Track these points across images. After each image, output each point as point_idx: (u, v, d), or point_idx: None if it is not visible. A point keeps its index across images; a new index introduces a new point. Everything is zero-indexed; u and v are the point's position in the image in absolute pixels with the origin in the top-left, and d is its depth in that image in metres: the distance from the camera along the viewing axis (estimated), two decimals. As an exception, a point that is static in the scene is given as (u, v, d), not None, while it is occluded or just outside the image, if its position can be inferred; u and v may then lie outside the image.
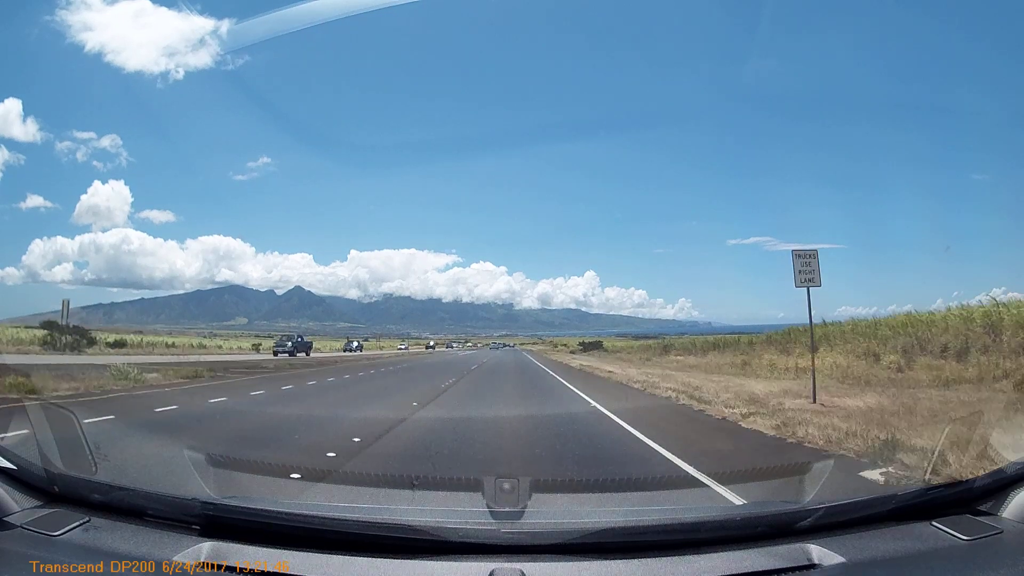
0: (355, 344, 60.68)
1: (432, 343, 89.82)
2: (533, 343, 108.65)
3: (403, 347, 68.64)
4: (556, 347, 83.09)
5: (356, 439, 6.69)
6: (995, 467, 2.46)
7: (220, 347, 43.74)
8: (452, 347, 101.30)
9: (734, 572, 1.76)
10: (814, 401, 10.59)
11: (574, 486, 4.69)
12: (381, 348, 63.84)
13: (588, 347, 64.06)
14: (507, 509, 2.29)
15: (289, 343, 36.70)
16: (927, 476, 3.92)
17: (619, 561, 1.78)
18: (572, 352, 61.44)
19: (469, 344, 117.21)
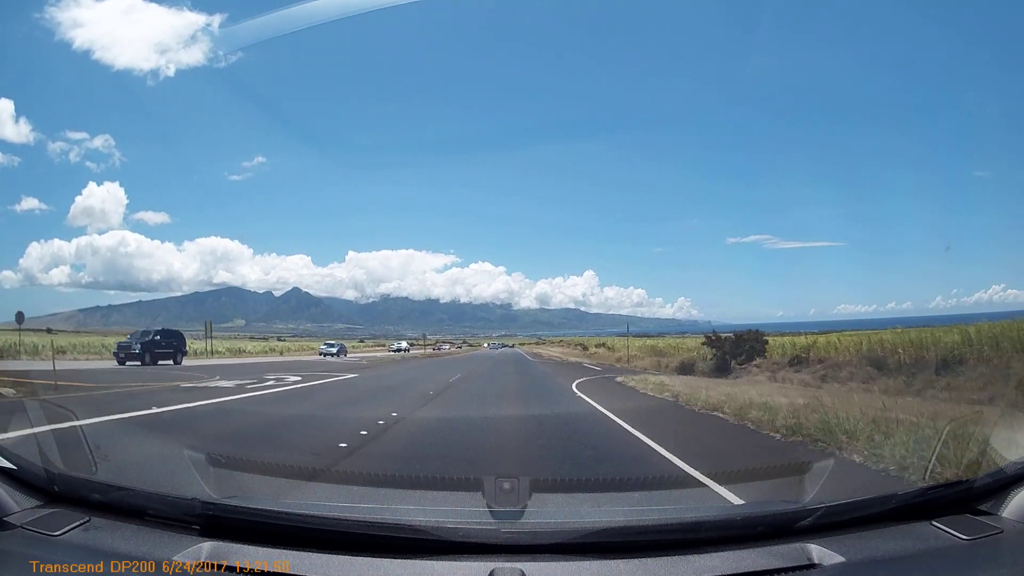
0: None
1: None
2: (536, 343, 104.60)
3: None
4: (588, 350, 49.49)
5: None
6: (995, 467, 2.46)
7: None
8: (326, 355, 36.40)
9: (734, 572, 1.76)
10: None
11: (574, 485, 4.69)
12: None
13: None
14: (507, 509, 2.28)
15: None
16: (927, 476, 3.90)
17: (619, 561, 1.78)
18: (649, 371, 22.60)
19: (409, 344, 60.10)
